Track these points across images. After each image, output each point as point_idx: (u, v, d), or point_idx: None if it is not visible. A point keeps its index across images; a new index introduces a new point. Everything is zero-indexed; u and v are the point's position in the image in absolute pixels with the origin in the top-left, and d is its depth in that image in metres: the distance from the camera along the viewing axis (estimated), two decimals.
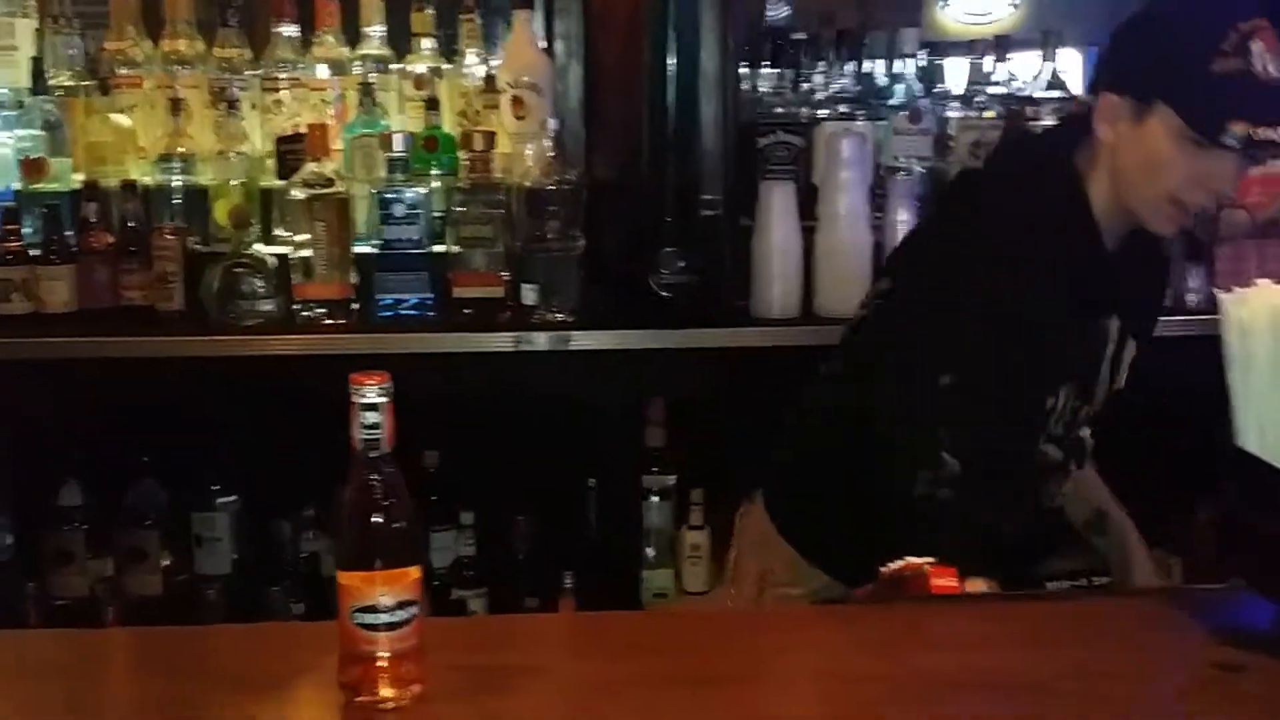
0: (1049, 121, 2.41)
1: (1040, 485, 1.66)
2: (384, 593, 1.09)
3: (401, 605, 1.09)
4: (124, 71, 2.47)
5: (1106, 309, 1.62)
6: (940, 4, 3.41)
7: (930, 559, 1.40)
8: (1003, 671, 1.15)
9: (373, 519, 1.09)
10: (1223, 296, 1.23)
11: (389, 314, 2.34)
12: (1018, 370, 1.51)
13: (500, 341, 2.32)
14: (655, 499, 2.61)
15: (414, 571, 1.11)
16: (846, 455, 1.66)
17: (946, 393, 1.51)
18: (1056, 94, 2.57)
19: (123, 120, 2.46)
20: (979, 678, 1.14)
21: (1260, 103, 1.45)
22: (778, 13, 3.21)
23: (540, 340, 2.31)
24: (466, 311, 2.35)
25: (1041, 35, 2.63)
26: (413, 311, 2.34)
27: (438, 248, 2.37)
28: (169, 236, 2.35)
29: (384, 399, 1.09)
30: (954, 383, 1.51)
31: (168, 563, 2.54)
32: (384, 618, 1.09)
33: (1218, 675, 1.13)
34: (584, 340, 2.32)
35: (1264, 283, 1.23)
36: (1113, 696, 1.10)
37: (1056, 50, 2.62)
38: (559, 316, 2.34)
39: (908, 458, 1.52)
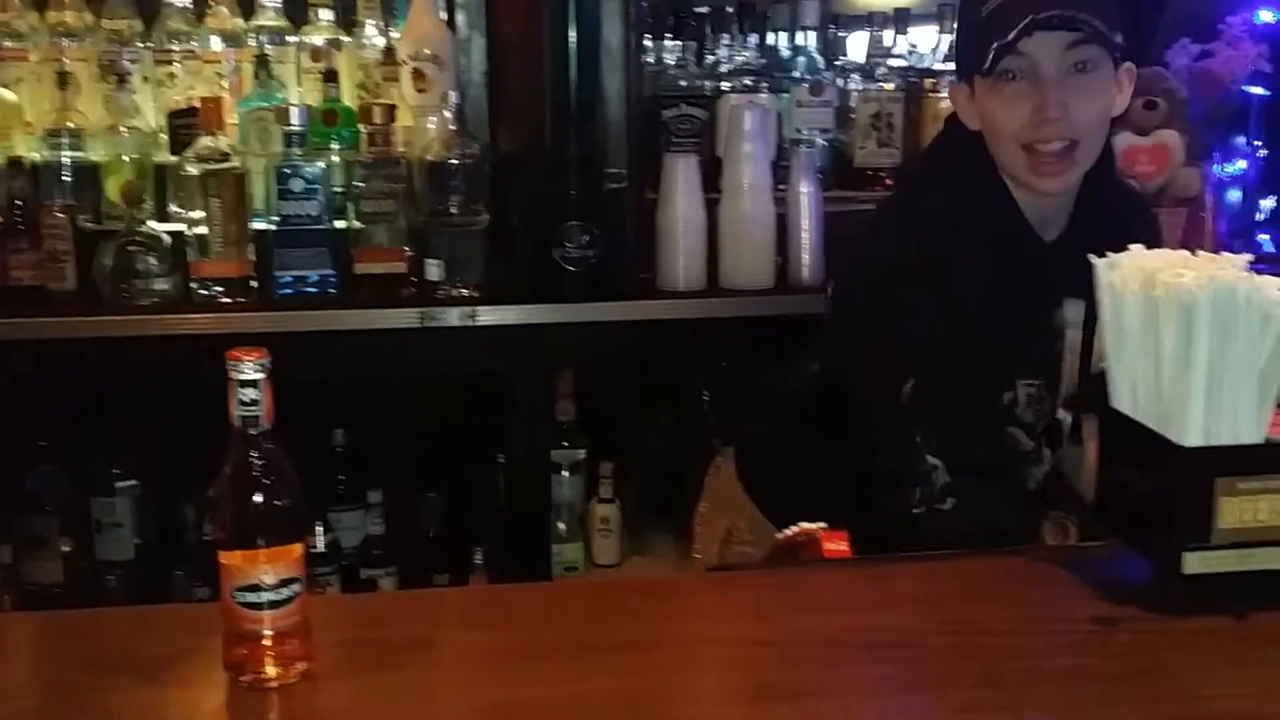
0: None
1: (1015, 474, 1.65)
2: (266, 571, 1.07)
3: (284, 583, 1.08)
4: (8, 44, 2.40)
5: (1054, 297, 1.60)
6: None
7: (823, 524, 1.42)
8: (883, 630, 1.17)
9: (253, 497, 1.08)
10: (1096, 261, 1.25)
11: (290, 291, 2.31)
12: (971, 365, 1.53)
13: (405, 318, 2.30)
14: (565, 473, 2.62)
15: (297, 549, 1.09)
16: (823, 435, 1.67)
17: (912, 398, 1.52)
18: (953, 66, 2.60)
19: (8, 95, 2.39)
20: (861, 637, 1.16)
21: (1016, 15, 1.48)
22: None
23: (446, 316, 2.30)
24: (370, 288, 2.32)
25: (938, 8, 2.65)
26: (314, 289, 2.31)
27: (339, 223, 2.34)
28: (59, 214, 2.29)
29: (261, 375, 1.07)
30: (917, 386, 1.52)
31: (68, 549, 2.48)
32: (267, 596, 1.07)
33: (1093, 629, 1.17)
34: (490, 315, 2.31)
35: (1136, 248, 1.26)
36: (989, 649, 1.13)
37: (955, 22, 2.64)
38: (464, 292, 2.32)
39: (895, 472, 1.53)
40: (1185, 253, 1.25)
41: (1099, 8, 1.50)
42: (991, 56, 1.50)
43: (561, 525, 2.60)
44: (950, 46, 2.61)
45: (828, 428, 1.65)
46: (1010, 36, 1.47)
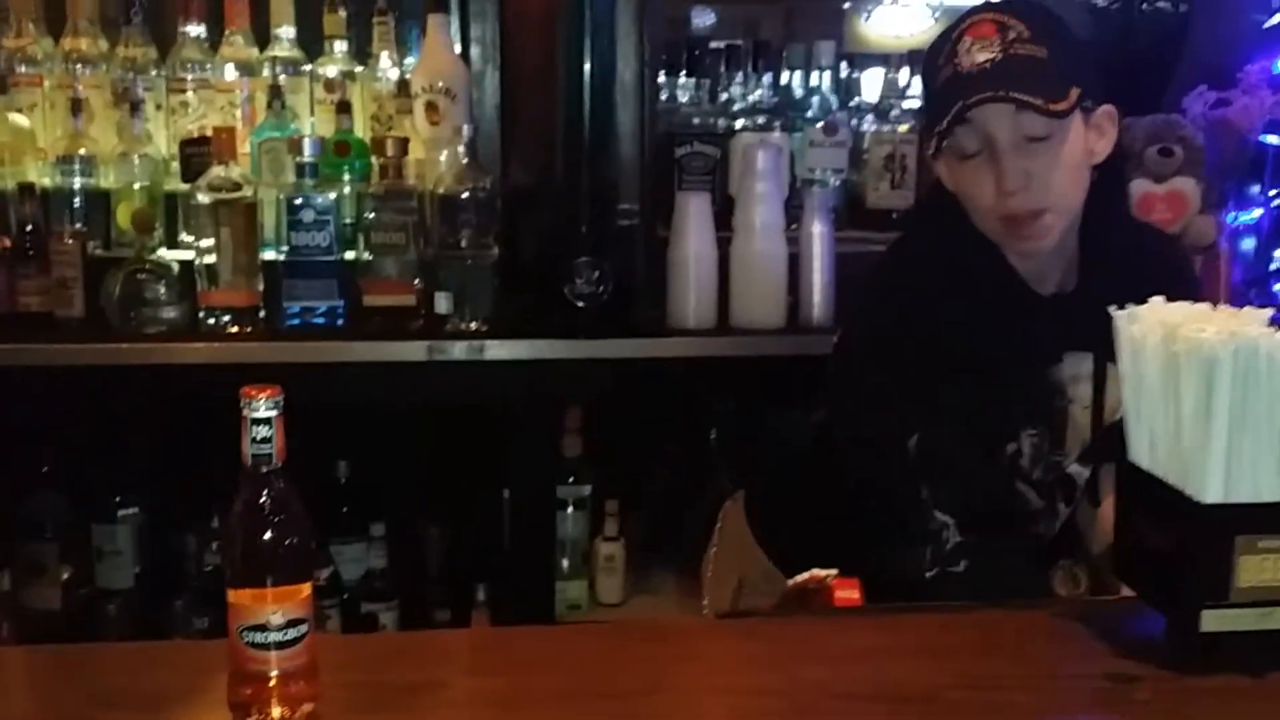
0: None
1: (1025, 529, 1.64)
2: (274, 611, 1.06)
3: (292, 623, 1.06)
4: (23, 70, 2.41)
5: (1054, 351, 1.58)
6: (863, 17, 3.44)
7: (834, 571, 1.41)
8: (895, 683, 1.16)
9: (263, 536, 1.06)
10: (1116, 314, 1.24)
11: (297, 322, 2.30)
12: (973, 417, 1.52)
13: (413, 351, 2.29)
14: (570, 509, 2.60)
15: (306, 589, 1.08)
16: (832, 485, 1.63)
17: (918, 452, 1.50)
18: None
19: (21, 120, 2.39)
20: (872, 689, 1.14)
21: (964, 89, 1.43)
22: (703, 20, 3.22)
23: (454, 349, 2.29)
24: (378, 320, 2.31)
25: None
26: (322, 320, 2.31)
27: (348, 255, 2.33)
28: (69, 241, 2.28)
29: (275, 412, 1.06)
30: (921, 440, 1.50)
31: (67, 576, 2.46)
32: (274, 636, 1.06)
33: (1109, 687, 1.15)
34: (498, 350, 2.30)
35: (1156, 300, 1.25)
36: (1003, 706, 1.12)
37: None
38: (473, 325, 2.32)
39: (904, 531, 1.51)
40: (1206, 306, 1.24)
41: (1043, 70, 1.43)
42: (934, 140, 1.47)
43: (565, 562, 2.58)
44: None
45: (835, 478, 1.63)
46: (944, 124, 1.44)
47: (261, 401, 1.06)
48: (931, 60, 1.50)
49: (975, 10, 1.51)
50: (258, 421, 1.06)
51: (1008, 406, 1.57)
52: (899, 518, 1.52)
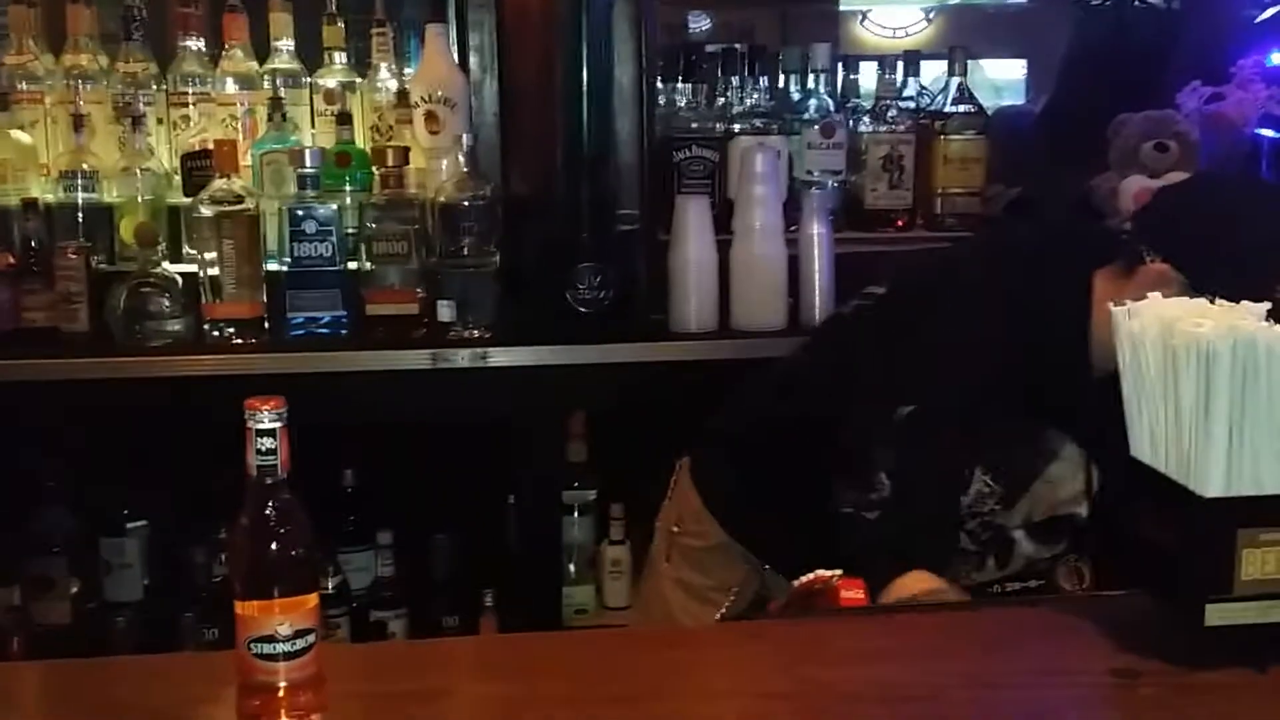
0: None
1: (947, 562, 1.67)
2: (282, 622, 1.07)
3: (300, 634, 1.07)
4: (24, 86, 2.42)
5: (1061, 423, 1.63)
6: (859, 18, 3.46)
7: (839, 571, 1.41)
8: (900, 683, 1.16)
9: (269, 548, 1.07)
10: (1115, 310, 1.25)
11: (301, 333, 2.31)
12: (966, 429, 1.55)
13: (417, 359, 2.30)
14: (576, 514, 2.61)
15: (312, 599, 1.09)
16: (784, 450, 1.69)
17: (902, 421, 1.53)
18: (964, 108, 2.62)
19: (23, 137, 2.40)
20: (877, 690, 1.15)
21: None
22: (699, 25, 3.23)
23: (458, 357, 2.30)
24: (381, 329, 2.32)
25: (949, 50, 2.67)
26: (326, 330, 2.31)
27: (351, 265, 2.34)
28: (72, 256, 2.30)
29: (279, 424, 1.07)
30: (911, 414, 1.53)
31: (76, 590, 2.47)
32: (282, 647, 1.07)
33: (1113, 682, 1.15)
34: (501, 357, 2.31)
35: (1154, 296, 1.26)
36: (1008, 703, 1.12)
37: (965, 65, 2.65)
38: (476, 333, 2.32)
39: (845, 470, 1.55)
40: (1203, 301, 1.25)
41: None
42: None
43: (572, 567, 2.59)
44: (959, 88, 2.62)
45: (797, 429, 1.68)
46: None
47: (265, 413, 1.06)
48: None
49: None
50: (262, 433, 1.07)
51: (988, 437, 1.59)
52: (846, 457, 1.56)
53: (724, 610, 1.75)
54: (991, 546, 1.71)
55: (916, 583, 1.47)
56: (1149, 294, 1.47)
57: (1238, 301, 1.33)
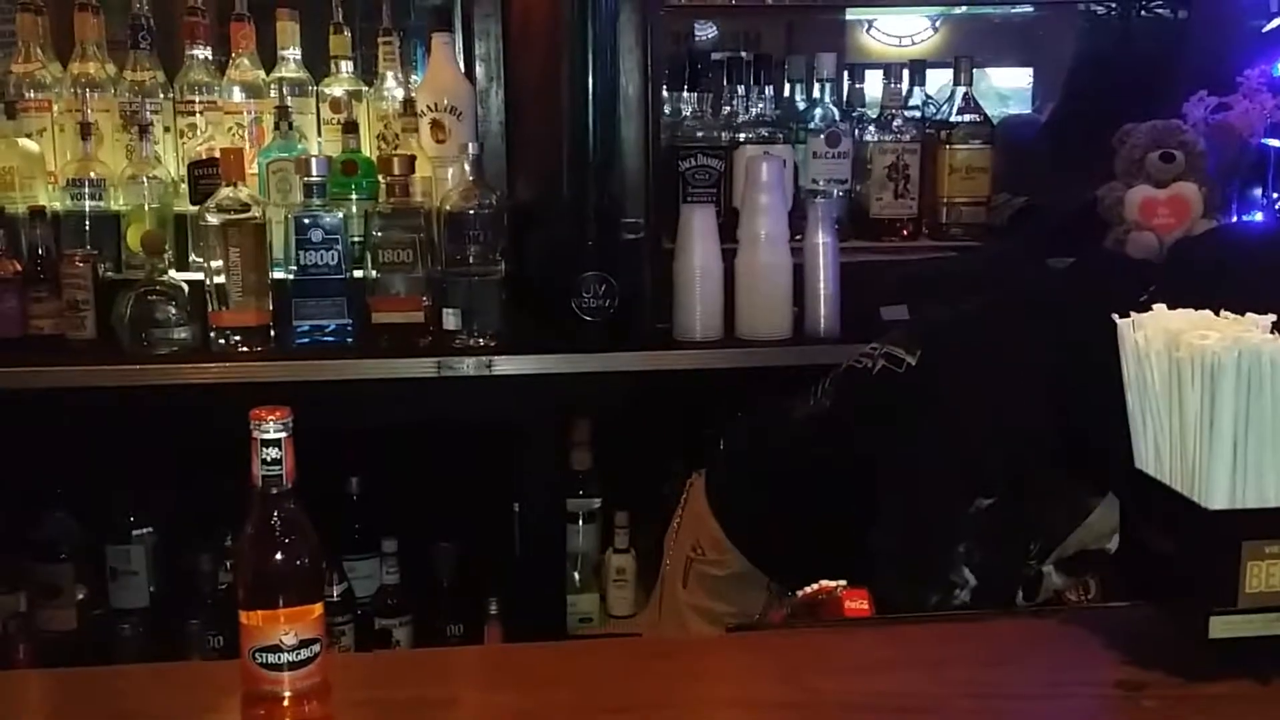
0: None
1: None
2: (287, 631, 1.07)
3: (305, 644, 1.07)
4: (32, 95, 2.43)
5: (1101, 473, 1.59)
6: (864, 27, 3.46)
7: (843, 582, 1.41)
8: (905, 694, 1.16)
9: (274, 558, 1.07)
10: (1119, 321, 1.25)
11: (307, 340, 2.32)
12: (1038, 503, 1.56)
13: (422, 367, 2.30)
14: (580, 523, 2.61)
15: (317, 609, 1.09)
16: (811, 490, 1.69)
17: (982, 514, 1.53)
18: (970, 117, 2.62)
19: (31, 145, 2.42)
20: (882, 701, 1.15)
21: None
22: (705, 33, 3.24)
23: (463, 365, 2.30)
24: (387, 337, 2.33)
25: (954, 60, 2.67)
26: (331, 338, 2.32)
27: (357, 273, 2.35)
28: (79, 264, 2.30)
29: (285, 434, 1.07)
30: (991, 506, 1.53)
31: (82, 597, 2.48)
32: (287, 657, 1.07)
33: (1118, 694, 1.15)
34: (506, 365, 2.31)
35: (1159, 307, 1.26)
36: (1012, 714, 1.12)
37: (971, 74, 2.66)
38: (481, 341, 2.33)
39: (923, 567, 1.54)
40: (1208, 313, 1.25)
41: None
42: None
43: (577, 575, 2.59)
44: (964, 97, 2.62)
45: (820, 486, 1.67)
46: None
47: (271, 423, 1.07)
48: None
49: None
50: (267, 443, 1.07)
51: (1034, 504, 1.59)
52: (923, 554, 1.54)
53: None
54: (1021, 582, 1.70)
55: None
56: None
57: None
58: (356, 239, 2.36)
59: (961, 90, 2.63)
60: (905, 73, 2.70)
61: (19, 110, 2.41)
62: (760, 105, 2.64)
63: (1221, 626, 1.15)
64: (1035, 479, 1.55)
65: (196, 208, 2.34)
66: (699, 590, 1.85)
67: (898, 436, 1.65)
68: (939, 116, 2.67)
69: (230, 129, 2.47)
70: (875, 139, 2.65)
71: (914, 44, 3.41)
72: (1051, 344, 1.59)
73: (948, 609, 1.51)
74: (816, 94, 2.67)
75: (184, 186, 2.42)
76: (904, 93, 2.69)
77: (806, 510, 1.70)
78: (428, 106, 2.46)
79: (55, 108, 2.45)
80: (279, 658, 1.07)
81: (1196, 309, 1.43)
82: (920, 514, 1.57)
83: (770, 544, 1.78)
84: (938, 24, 3.35)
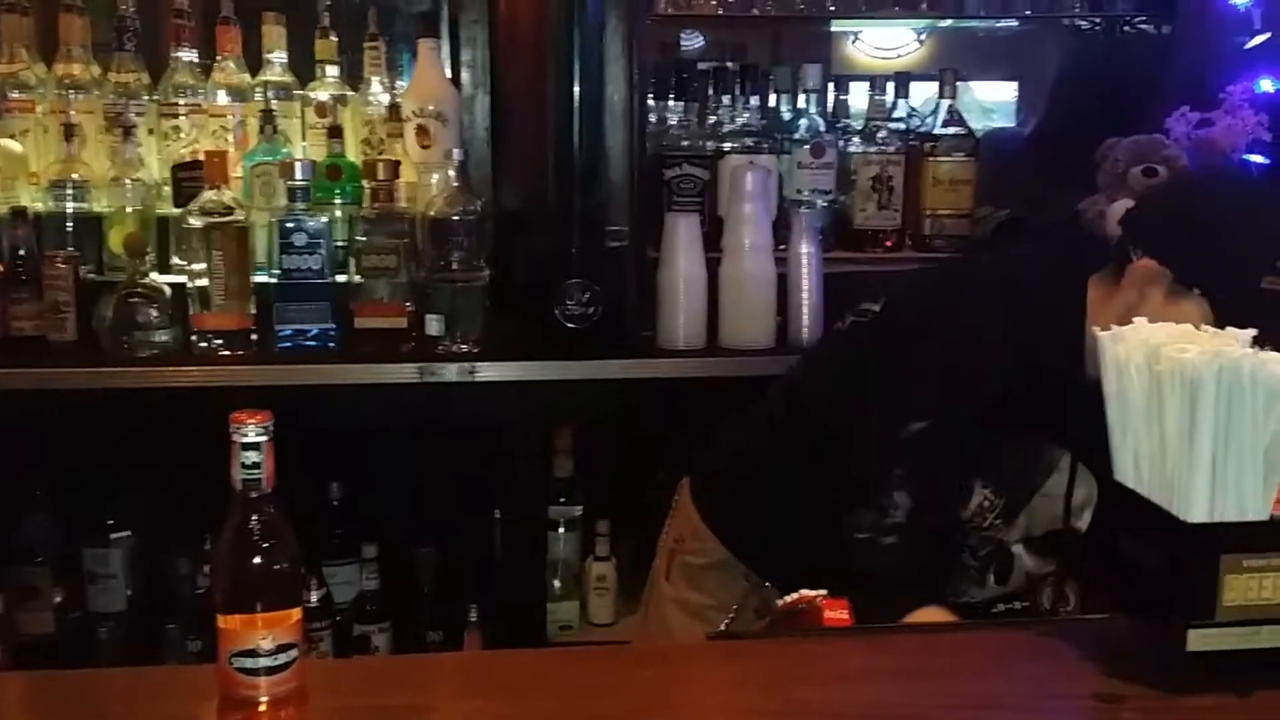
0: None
1: (947, 579, 1.69)
2: (264, 636, 1.07)
3: (282, 649, 1.07)
4: (15, 95, 2.42)
5: (1058, 433, 1.62)
6: (850, 39, 3.46)
7: (823, 591, 1.42)
8: (886, 704, 1.16)
9: (253, 562, 1.07)
10: (1100, 335, 1.26)
11: (289, 345, 2.31)
12: (977, 443, 1.56)
13: (404, 373, 2.30)
14: (561, 530, 2.60)
15: (295, 614, 1.09)
16: (784, 462, 1.71)
17: (913, 438, 1.54)
18: (954, 130, 2.63)
19: (13, 146, 2.40)
20: (863, 710, 1.15)
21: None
22: (692, 43, 3.24)
23: (445, 371, 2.30)
24: (370, 342, 2.32)
25: (939, 73, 2.68)
26: (314, 342, 2.31)
27: (340, 278, 2.34)
28: (61, 265, 2.29)
29: (265, 438, 1.07)
30: (922, 430, 1.54)
31: (60, 600, 2.47)
32: (264, 661, 1.07)
33: (1096, 706, 1.16)
34: (489, 371, 2.31)
35: (1140, 321, 1.27)
36: None
37: (955, 87, 2.67)
38: (464, 347, 2.32)
39: (860, 494, 1.55)
40: (1189, 327, 1.26)
41: None
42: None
43: (557, 583, 2.59)
44: (949, 110, 2.64)
45: (791, 454, 1.70)
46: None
47: (251, 427, 1.06)
48: (1262, 249, 1.47)
49: None
50: (247, 447, 1.07)
51: (987, 449, 1.60)
52: (859, 481, 1.56)
53: (723, 627, 1.74)
54: (991, 561, 1.70)
55: (932, 617, 1.47)
56: (1139, 292, 1.51)
57: (1226, 294, 1.40)
58: (340, 244, 2.36)
59: (946, 103, 2.64)
60: (890, 85, 2.71)
61: (2, 110, 2.40)
62: (746, 115, 2.65)
63: (1199, 639, 1.16)
64: (984, 420, 1.55)
65: (179, 210, 2.34)
66: (680, 581, 1.86)
67: (849, 372, 1.70)
68: (923, 129, 2.68)
69: (215, 132, 2.46)
70: (860, 150, 2.66)
71: (899, 57, 3.42)
72: (1014, 299, 1.61)
73: (882, 536, 1.52)
74: (802, 104, 2.67)
75: (167, 189, 2.41)
76: (889, 105, 2.70)
77: (776, 489, 1.72)
78: (413, 112, 2.45)
79: (39, 108, 2.44)
80: (256, 663, 1.06)
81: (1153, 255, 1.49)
82: (858, 434, 1.59)
83: (745, 528, 1.79)
84: (923, 37, 3.35)
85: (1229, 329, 1.23)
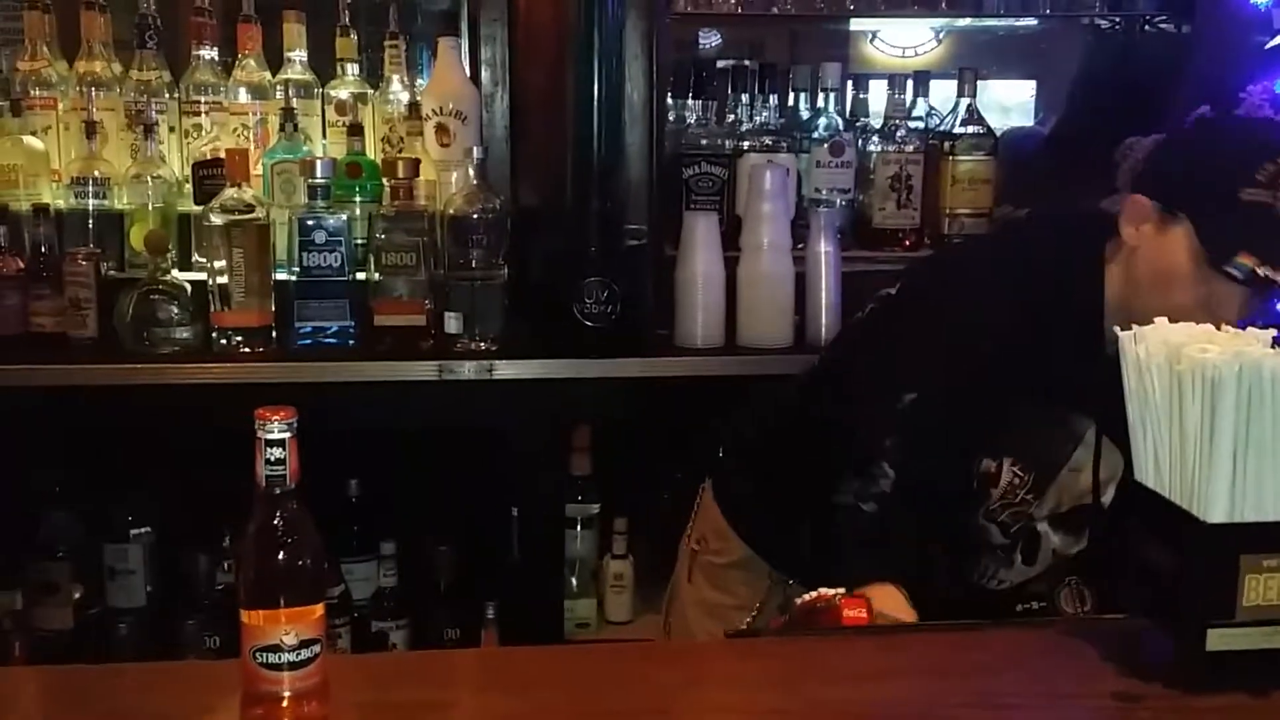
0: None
1: (976, 561, 1.70)
2: (287, 631, 1.07)
3: (305, 644, 1.08)
4: (37, 92, 2.44)
5: (1081, 404, 1.62)
6: (869, 37, 3.46)
7: (841, 590, 1.42)
8: (903, 702, 1.16)
9: (277, 557, 1.08)
10: (1122, 335, 1.25)
11: (309, 342, 2.32)
12: (974, 412, 1.56)
13: (423, 370, 2.30)
14: (579, 528, 2.61)
15: (318, 609, 1.09)
16: (798, 455, 1.71)
17: (906, 409, 1.54)
18: (973, 129, 2.62)
19: (35, 142, 2.42)
20: (880, 709, 1.15)
21: (1273, 240, 1.45)
22: (710, 41, 3.24)
23: (464, 369, 2.30)
24: (389, 340, 2.33)
25: (958, 71, 2.67)
26: (333, 340, 2.32)
27: (359, 275, 2.35)
28: (82, 262, 2.30)
29: (289, 434, 1.07)
30: (914, 401, 1.54)
31: (79, 595, 2.48)
32: (287, 657, 1.07)
33: (1114, 706, 1.16)
34: (507, 369, 2.32)
35: (1160, 321, 1.26)
36: None
37: (975, 86, 2.66)
38: (482, 345, 2.33)
39: (851, 462, 1.55)
40: (1209, 327, 1.25)
41: None
42: (1232, 260, 1.46)
43: (574, 581, 2.59)
44: (968, 109, 2.63)
45: (805, 447, 1.69)
46: (1266, 265, 1.42)
47: (276, 423, 1.07)
48: (1237, 162, 1.49)
49: None
50: (272, 443, 1.07)
51: (1012, 424, 1.58)
52: (851, 450, 1.56)
53: (744, 625, 1.75)
54: (1019, 539, 1.69)
55: (882, 598, 1.44)
56: (1135, 230, 1.54)
57: (1210, 212, 1.43)
58: (360, 241, 2.37)
59: (965, 102, 2.63)
60: (909, 84, 2.71)
61: (24, 107, 2.42)
62: (764, 114, 2.65)
63: (1219, 639, 1.16)
64: (992, 393, 1.55)
65: (200, 208, 2.35)
66: (702, 582, 1.86)
67: (861, 355, 1.72)
68: (942, 128, 2.68)
69: (235, 130, 2.47)
70: (878, 149, 2.65)
71: (918, 55, 3.41)
72: (1026, 268, 1.61)
73: (862, 502, 1.52)
74: (820, 103, 2.67)
75: (188, 186, 2.42)
76: (908, 103, 2.70)
77: (795, 483, 1.72)
78: (433, 110, 2.46)
79: (60, 106, 2.46)
80: (279, 657, 1.07)
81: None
82: (859, 406, 1.60)
83: (766, 525, 1.80)
84: (942, 36, 3.35)
85: (1250, 330, 1.23)
